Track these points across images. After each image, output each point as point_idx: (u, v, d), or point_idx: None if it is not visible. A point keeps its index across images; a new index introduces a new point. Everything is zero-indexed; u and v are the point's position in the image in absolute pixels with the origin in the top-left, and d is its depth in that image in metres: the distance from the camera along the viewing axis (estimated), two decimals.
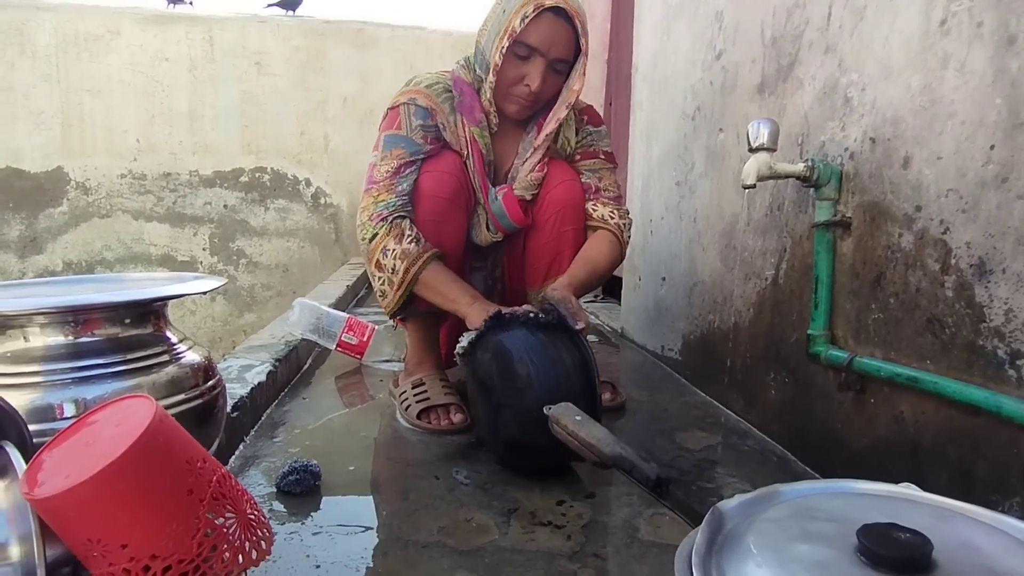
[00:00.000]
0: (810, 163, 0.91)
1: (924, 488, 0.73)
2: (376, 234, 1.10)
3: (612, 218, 1.21)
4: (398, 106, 1.16)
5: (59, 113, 3.43)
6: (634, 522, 0.83)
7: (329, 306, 2.12)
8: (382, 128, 1.17)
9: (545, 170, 1.20)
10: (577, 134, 1.25)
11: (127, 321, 0.66)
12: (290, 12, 3.69)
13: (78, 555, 0.41)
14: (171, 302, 0.70)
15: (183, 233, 3.59)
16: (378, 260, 1.10)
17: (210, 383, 0.71)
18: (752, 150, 0.91)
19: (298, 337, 1.58)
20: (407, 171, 1.13)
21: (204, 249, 3.62)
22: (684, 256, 1.53)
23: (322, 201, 3.73)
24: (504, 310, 0.99)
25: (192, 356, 0.71)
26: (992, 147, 0.68)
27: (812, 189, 0.94)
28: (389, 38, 3.68)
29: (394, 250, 1.08)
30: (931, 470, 0.77)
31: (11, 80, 3.37)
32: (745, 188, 0.92)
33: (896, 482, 0.76)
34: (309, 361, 1.66)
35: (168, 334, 0.70)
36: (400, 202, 1.11)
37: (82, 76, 3.43)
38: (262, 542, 0.47)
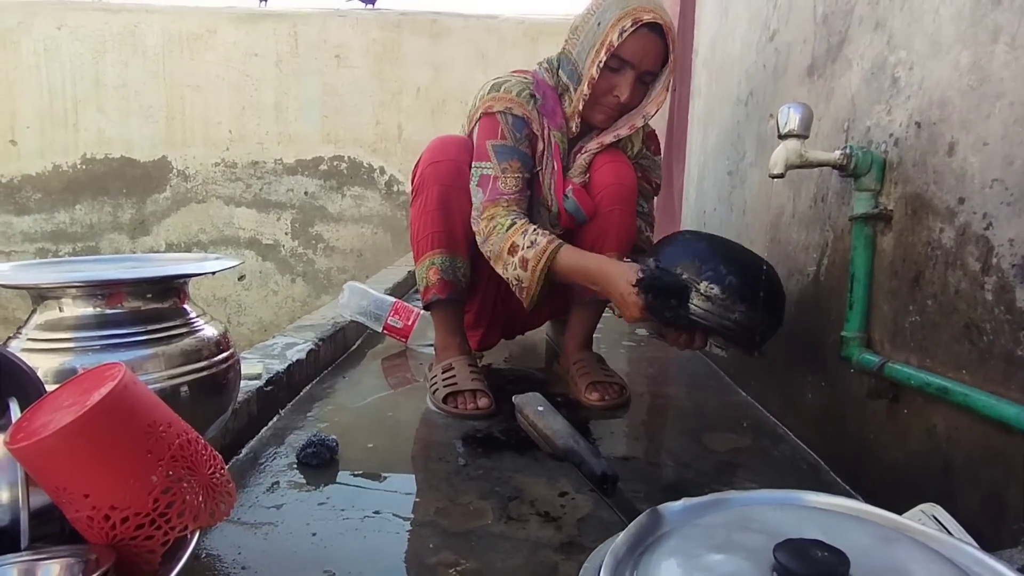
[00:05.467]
0: (847, 150, 0.84)
1: (954, 512, 0.67)
2: (514, 223, 1.11)
3: (644, 232, 1.26)
4: (495, 113, 1.16)
5: (164, 107, 3.76)
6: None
7: (388, 291, 2.20)
8: (482, 135, 1.17)
9: (594, 151, 1.19)
10: (639, 152, 1.25)
11: (149, 296, 0.72)
12: (369, 5, 3.83)
13: (54, 501, 0.46)
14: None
15: (268, 218, 3.84)
16: (515, 241, 1.10)
17: (222, 356, 0.77)
18: (782, 137, 0.85)
19: (347, 319, 1.66)
20: (528, 192, 1.18)
21: (286, 233, 3.85)
22: None
23: (395, 189, 3.86)
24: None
25: (208, 330, 0.77)
26: None
27: (851, 179, 0.87)
28: (462, 28, 3.73)
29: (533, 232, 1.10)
30: (962, 492, 0.69)
31: (125, 78, 3.73)
32: (772, 177, 0.86)
33: (925, 501, 0.70)
34: (359, 342, 1.73)
35: (187, 308, 0.76)
36: (526, 214, 1.16)
37: (184, 72, 3.73)
38: (221, 504, 0.50)
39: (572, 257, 1.07)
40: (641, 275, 0.96)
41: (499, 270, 1.14)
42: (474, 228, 1.17)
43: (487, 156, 1.15)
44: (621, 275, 1.00)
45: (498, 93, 1.17)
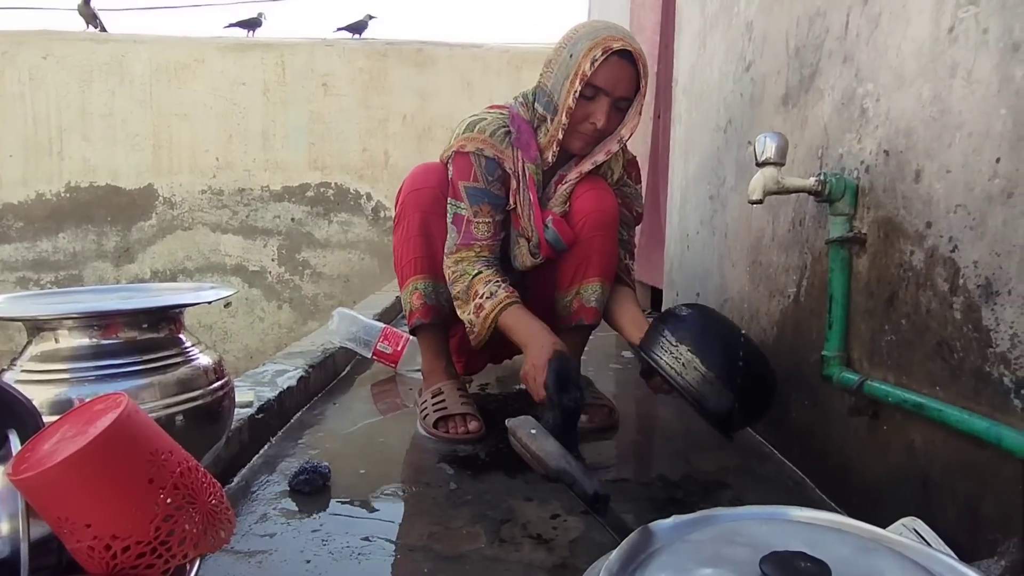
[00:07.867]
0: (822, 177, 0.88)
1: (934, 525, 0.69)
2: (480, 272, 1.17)
3: (624, 259, 1.29)
4: (468, 153, 1.19)
5: (151, 135, 3.77)
6: None
7: (377, 316, 2.21)
8: (456, 174, 1.20)
9: (574, 181, 1.22)
10: (620, 179, 1.28)
11: (144, 326, 0.73)
12: (356, 35, 3.90)
13: (55, 532, 0.47)
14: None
15: (254, 244, 3.84)
16: (476, 289, 1.16)
17: (217, 384, 0.78)
18: (759, 164, 0.89)
19: (336, 345, 1.66)
20: (501, 233, 1.21)
21: (273, 260, 3.85)
22: (716, 272, 1.49)
23: (381, 215, 3.89)
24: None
25: (203, 359, 0.78)
26: (998, 160, 0.63)
27: (827, 204, 0.90)
28: (447, 57, 3.81)
29: (490, 282, 1.16)
30: (940, 505, 0.71)
31: (112, 106, 3.75)
32: (751, 203, 0.90)
33: (906, 515, 0.72)
34: (348, 368, 1.73)
35: (182, 338, 0.77)
36: (496, 260, 1.20)
37: (171, 101, 3.75)
38: (221, 531, 0.51)
39: (511, 319, 1.12)
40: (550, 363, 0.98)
41: (459, 312, 1.19)
42: (444, 267, 1.21)
43: (460, 197, 1.19)
44: (538, 355, 1.02)
45: (472, 133, 1.20)
